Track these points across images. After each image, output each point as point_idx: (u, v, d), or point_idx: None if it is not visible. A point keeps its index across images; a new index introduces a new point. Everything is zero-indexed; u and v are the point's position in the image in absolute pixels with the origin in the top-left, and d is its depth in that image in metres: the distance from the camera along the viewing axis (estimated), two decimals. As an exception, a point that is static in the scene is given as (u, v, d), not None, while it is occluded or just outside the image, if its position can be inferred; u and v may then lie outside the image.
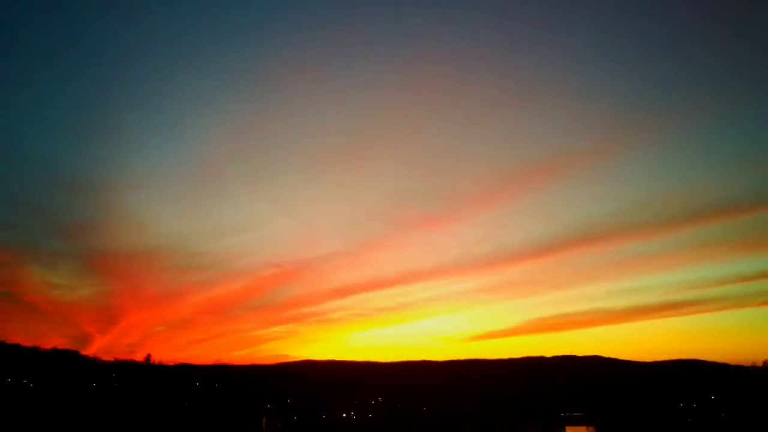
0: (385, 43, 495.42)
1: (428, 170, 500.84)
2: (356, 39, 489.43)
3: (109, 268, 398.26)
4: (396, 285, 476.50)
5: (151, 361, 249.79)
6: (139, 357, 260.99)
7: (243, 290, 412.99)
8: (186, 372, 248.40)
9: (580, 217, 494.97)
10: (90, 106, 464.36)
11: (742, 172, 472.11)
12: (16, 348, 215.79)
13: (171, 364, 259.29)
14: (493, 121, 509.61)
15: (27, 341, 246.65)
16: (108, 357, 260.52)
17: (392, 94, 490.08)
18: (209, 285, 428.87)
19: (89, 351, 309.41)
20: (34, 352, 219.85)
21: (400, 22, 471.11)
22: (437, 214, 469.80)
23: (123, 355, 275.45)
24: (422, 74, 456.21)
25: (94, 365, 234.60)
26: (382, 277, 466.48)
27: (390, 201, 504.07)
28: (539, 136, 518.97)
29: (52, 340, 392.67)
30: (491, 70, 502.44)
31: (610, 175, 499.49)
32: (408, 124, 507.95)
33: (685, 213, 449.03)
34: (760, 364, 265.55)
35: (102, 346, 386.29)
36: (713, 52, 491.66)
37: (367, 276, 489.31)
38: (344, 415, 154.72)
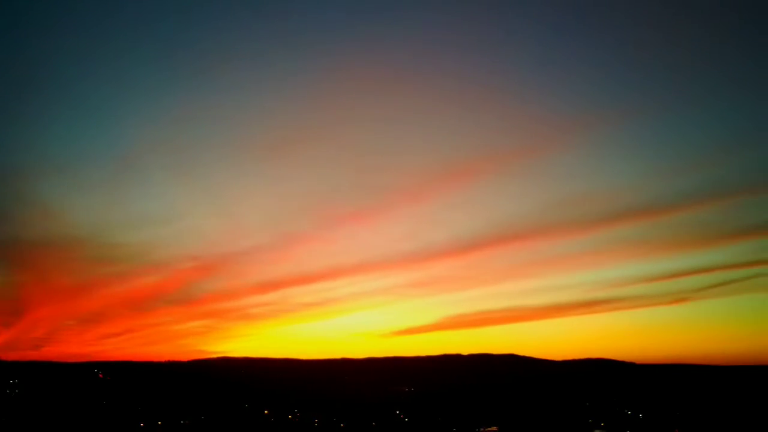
0: (316, 38, 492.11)
1: (356, 166, 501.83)
2: (287, 33, 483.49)
3: (17, 258, 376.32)
4: (320, 280, 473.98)
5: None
6: (47, 352, 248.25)
7: (160, 283, 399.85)
8: (93, 368, 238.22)
9: (504, 215, 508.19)
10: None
11: (659, 175, 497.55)
12: None
13: (77, 361, 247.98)
14: (422, 119, 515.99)
15: None
16: (12, 352, 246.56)
17: (322, 90, 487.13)
18: (124, 278, 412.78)
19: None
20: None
21: (333, 18, 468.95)
22: (363, 210, 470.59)
23: (28, 350, 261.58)
24: (353, 71, 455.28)
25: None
26: (306, 272, 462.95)
27: (316, 195, 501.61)
28: (466, 135, 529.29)
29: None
30: (421, 68, 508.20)
31: (534, 174, 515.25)
32: (336, 119, 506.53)
33: (604, 214, 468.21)
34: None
35: (6, 340, 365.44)
36: (638, 60, 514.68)
37: (291, 271, 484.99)
38: (263, 413, 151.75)
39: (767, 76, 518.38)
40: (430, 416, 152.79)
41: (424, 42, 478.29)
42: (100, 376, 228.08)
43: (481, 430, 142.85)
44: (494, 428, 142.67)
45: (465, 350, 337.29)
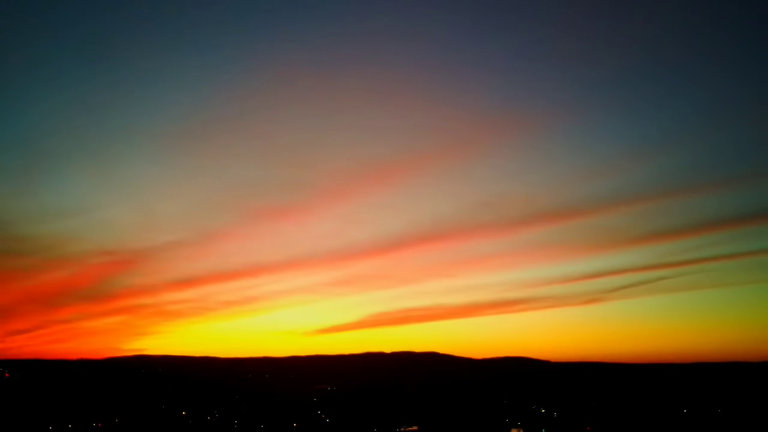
0: (239, 30, 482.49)
1: (280, 161, 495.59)
2: (208, 22, 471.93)
3: None
4: (242, 277, 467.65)
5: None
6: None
7: (72, 278, 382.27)
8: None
9: (426, 215, 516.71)
10: None
11: (574, 180, 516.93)
12: None
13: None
14: (349, 117, 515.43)
15: None
16: None
17: (247, 81, 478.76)
18: (33, 272, 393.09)
19: None
20: None
21: (257, 11, 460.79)
22: (288, 206, 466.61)
23: None
24: (280, 64, 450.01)
25: None
26: (227, 269, 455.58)
27: (238, 190, 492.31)
28: (393, 135, 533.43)
29: None
30: (350, 66, 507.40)
31: (456, 176, 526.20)
32: (262, 112, 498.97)
33: (522, 216, 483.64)
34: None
35: None
36: (563, 64, 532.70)
37: (211, 267, 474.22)
38: (181, 414, 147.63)
39: (678, 87, 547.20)
40: (352, 416, 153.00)
41: (350, 40, 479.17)
42: (6, 375, 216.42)
43: (402, 429, 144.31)
44: (415, 428, 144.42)
45: (388, 348, 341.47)
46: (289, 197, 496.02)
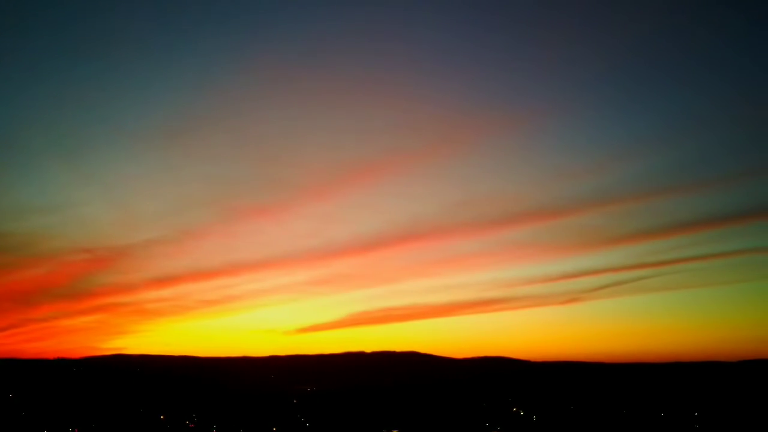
0: (225, 28, 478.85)
1: (260, 159, 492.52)
2: (196, 20, 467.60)
3: None
4: (221, 276, 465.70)
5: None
6: None
7: (48, 276, 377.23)
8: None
9: (406, 214, 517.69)
10: None
11: (553, 180, 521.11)
12: None
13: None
14: (330, 116, 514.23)
15: None
16: None
17: (228, 80, 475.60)
18: (8, 270, 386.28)
19: None
20: None
21: (237, 9, 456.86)
22: (267, 205, 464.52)
23: None
24: (261, 63, 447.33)
25: None
26: (206, 268, 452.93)
27: (218, 188, 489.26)
28: (373, 134, 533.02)
29: None
30: (331, 65, 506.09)
31: (436, 176, 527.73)
32: (242, 110, 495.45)
33: (502, 216, 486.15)
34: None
35: None
36: (544, 64, 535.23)
37: (190, 266, 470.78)
38: (159, 419, 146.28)
39: (659, 87, 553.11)
40: (331, 418, 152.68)
41: (332, 40, 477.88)
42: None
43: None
44: (395, 431, 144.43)
45: (368, 348, 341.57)
46: (268, 196, 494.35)
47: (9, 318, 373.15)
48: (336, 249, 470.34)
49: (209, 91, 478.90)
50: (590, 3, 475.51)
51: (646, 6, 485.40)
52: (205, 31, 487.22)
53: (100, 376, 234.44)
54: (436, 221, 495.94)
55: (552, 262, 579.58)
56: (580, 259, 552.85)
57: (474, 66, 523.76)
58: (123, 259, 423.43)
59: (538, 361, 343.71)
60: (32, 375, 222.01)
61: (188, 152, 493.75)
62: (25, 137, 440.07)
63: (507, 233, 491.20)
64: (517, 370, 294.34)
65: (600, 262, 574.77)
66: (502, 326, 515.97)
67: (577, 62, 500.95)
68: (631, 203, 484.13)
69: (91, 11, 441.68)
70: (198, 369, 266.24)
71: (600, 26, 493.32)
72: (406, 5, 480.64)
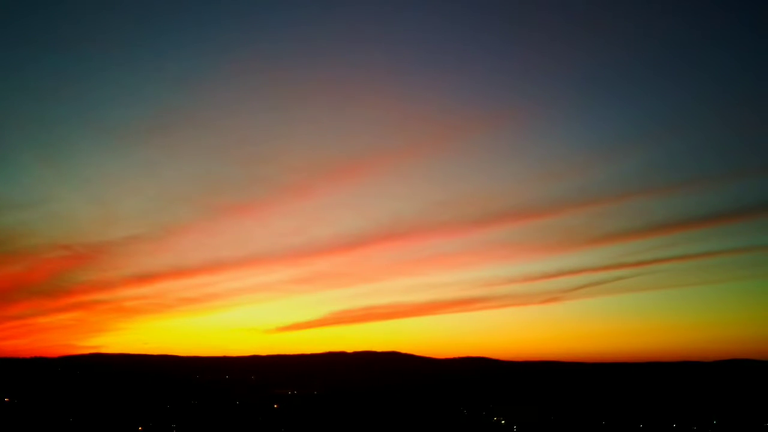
0: (203, 22, 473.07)
1: (241, 156, 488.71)
2: (172, 14, 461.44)
3: None
4: (202, 274, 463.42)
5: None
6: None
7: (24, 273, 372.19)
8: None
9: (388, 213, 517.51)
10: None
11: (533, 180, 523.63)
12: None
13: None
14: (311, 114, 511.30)
15: None
16: None
17: (208, 75, 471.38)
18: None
19: None
20: None
21: (222, 1, 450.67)
22: (248, 203, 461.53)
23: None
24: (242, 59, 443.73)
25: None
26: (186, 265, 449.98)
27: (198, 185, 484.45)
28: (355, 133, 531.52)
29: None
30: (312, 63, 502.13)
31: (417, 175, 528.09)
32: (223, 107, 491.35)
33: (483, 215, 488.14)
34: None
35: None
36: (525, 64, 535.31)
37: (170, 263, 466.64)
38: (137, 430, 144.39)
39: (637, 90, 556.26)
40: (313, 427, 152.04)
41: (312, 37, 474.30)
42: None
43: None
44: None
45: (350, 348, 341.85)
46: (249, 193, 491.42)
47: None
48: (318, 247, 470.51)
49: (192, 87, 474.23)
50: (574, 2, 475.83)
51: (631, 5, 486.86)
52: (188, 27, 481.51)
53: (77, 375, 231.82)
54: (418, 220, 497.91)
55: (532, 261, 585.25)
56: (561, 259, 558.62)
57: (457, 65, 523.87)
58: (102, 256, 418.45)
59: (517, 361, 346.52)
60: (7, 374, 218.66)
61: (169, 149, 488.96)
62: (1, 131, 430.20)
63: (488, 233, 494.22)
64: (496, 371, 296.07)
65: (580, 261, 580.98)
66: (482, 325, 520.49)
67: (559, 62, 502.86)
68: (611, 203, 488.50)
69: (70, 2, 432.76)
70: (178, 367, 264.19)
71: (582, 26, 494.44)
72: (388, 4, 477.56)
